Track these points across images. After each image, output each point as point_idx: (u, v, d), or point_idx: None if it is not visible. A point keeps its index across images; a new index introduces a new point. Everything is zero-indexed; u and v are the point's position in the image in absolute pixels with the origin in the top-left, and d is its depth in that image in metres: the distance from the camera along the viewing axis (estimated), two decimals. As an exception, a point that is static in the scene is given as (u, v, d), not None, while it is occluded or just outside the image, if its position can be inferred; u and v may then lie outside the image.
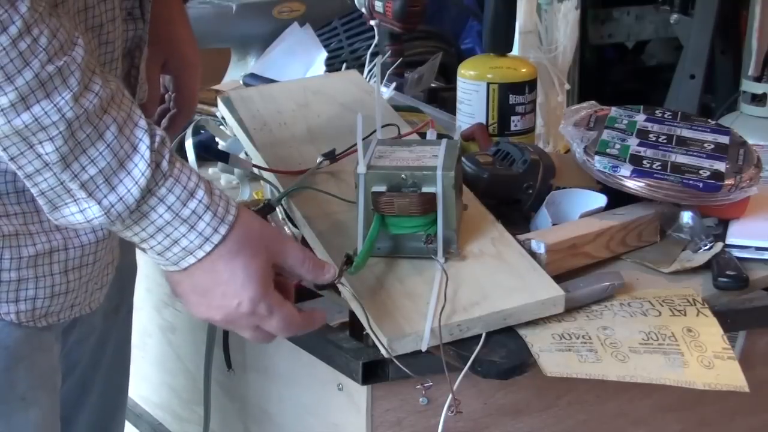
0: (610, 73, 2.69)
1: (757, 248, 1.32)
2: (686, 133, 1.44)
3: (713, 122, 1.50)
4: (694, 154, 1.38)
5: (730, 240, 1.33)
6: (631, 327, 1.16)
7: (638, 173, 1.32)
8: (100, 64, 1.03)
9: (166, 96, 1.31)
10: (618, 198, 1.35)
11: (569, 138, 1.41)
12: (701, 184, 1.32)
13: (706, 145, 1.41)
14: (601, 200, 1.35)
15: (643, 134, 1.42)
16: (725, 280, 1.25)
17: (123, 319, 1.31)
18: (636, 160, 1.35)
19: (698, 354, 1.13)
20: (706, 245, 1.31)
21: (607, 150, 1.37)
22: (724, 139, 1.43)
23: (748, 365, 1.14)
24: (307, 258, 1.06)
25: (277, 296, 1.02)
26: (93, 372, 1.27)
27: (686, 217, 1.35)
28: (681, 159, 1.37)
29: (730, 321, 1.20)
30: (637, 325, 1.17)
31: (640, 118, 1.46)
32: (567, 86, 1.95)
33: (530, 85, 1.64)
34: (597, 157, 1.35)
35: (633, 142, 1.39)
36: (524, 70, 1.65)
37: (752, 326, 1.27)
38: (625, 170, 1.33)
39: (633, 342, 1.14)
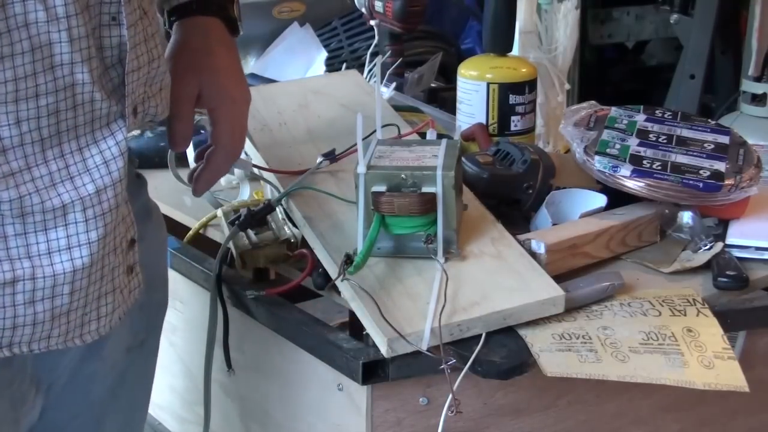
0: (610, 73, 2.69)
1: (757, 248, 1.32)
2: (686, 133, 1.44)
3: (713, 122, 1.51)
4: (694, 154, 1.38)
5: (730, 240, 1.33)
6: (631, 327, 1.16)
7: (638, 173, 1.32)
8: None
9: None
10: (618, 198, 1.35)
11: (569, 138, 1.41)
12: (701, 184, 1.32)
13: (706, 145, 1.41)
14: (601, 200, 1.35)
15: (643, 134, 1.42)
16: (725, 280, 1.25)
17: (147, 354, 1.26)
18: (636, 160, 1.35)
19: (698, 354, 1.13)
20: (706, 245, 1.31)
21: (607, 150, 1.37)
22: (724, 139, 1.43)
23: (748, 365, 1.14)
24: None
25: None
26: (111, 405, 1.22)
27: (686, 217, 1.35)
28: (681, 159, 1.37)
29: (730, 321, 1.20)
30: (637, 325, 1.17)
31: (640, 118, 1.47)
32: (567, 86, 1.95)
33: (530, 85, 1.64)
34: (597, 157, 1.35)
35: (633, 142, 1.39)
36: (524, 70, 1.65)
37: (752, 326, 1.27)
38: (625, 170, 1.33)
39: (633, 342, 1.14)
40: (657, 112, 1.49)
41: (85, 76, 0.99)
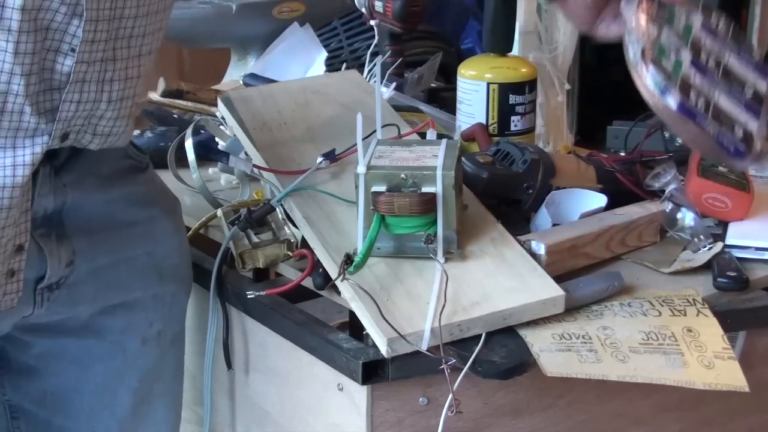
0: (610, 73, 2.69)
1: (757, 248, 1.32)
2: (733, 62, 1.25)
3: (757, 57, 1.29)
4: (735, 97, 1.22)
5: (730, 240, 1.33)
6: (631, 327, 1.16)
7: (683, 110, 1.17)
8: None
9: None
10: (618, 198, 1.35)
11: (632, 25, 1.22)
12: (732, 148, 1.19)
13: (746, 89, 1.24)
14: (601, 200, 1.35)
15: (696, 48, 1.24)
16: (725, 280, 1.25)
17: (165, 347, 1.30)
18: (685, 88, 1.19)
19: (698, 354, 1.13)
20: (706, 245, 1.31)
21: (663, 61, 1.20)
22: (762, 86, 1.25)
23: (748, 365, 1.14)
24: None
25: None
26: (143, 399, 1.29)
27: (687, 217, 1.35)
28: (723, 102, 1.21)
29: (730, 321, 1.20)
30: (637, 325, 1.17)
31: (696, 21, 1.25)
32: (567, 86, 1.94)
33: (530, 85, 1.64)
34: (652, 68, 1.19)
35: (686, 58, 1.22)
36: (524, 70, 1.65)
37: (752, 326, 1.27)
38: (672, 100, 1.18)
39: (633, 342, 1.14)
40: (713, 18, 1.27)
41: (20, 88, 1.03)
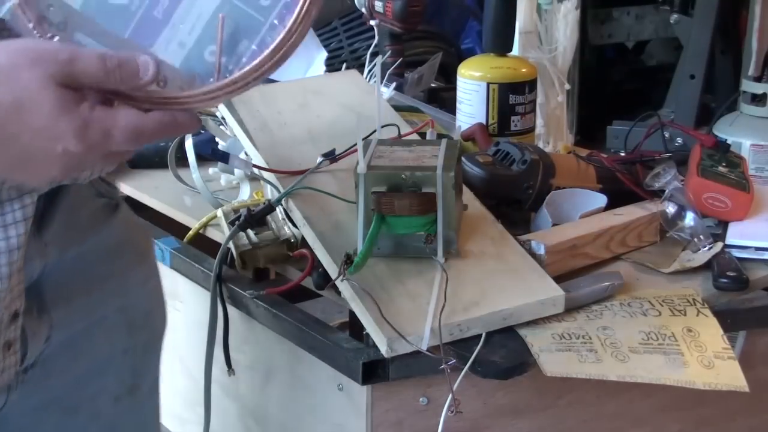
0: (610, 73, 2.69)
1: (757, 248, 1.32)
2: None
3: None
4: None
5: (730, 240, 1.33)
6: (631, 327, 1.16)
7: None
8: None
9: None
10: (618, 198, 1.35)
11: None
12: None
13: None
14: (601, 200, 1.35)
15: None
16: (725, 281, 1.25)
17: (142, 400, 1.20)
18: None
19: (698, 354, 1.13)
20: (706, 245, 1.31)
21: None
22: None
23: (748, 365, 1.14)
24: (108, 59, 0.80)
25: (100, 111, 0.81)
26: None
27: (687, 217, 1.35)
28: None
29: (730, 321, 1.20)
30: (637, 325, 1.17)
31: None
32: (567, 86, 1.94)
33: (530, 85, 1.64)
34: None
35: None
36: (524, 70, 1.65)
37: (752, 326, 1.27)
38: None
39: (633, 342, 1.14)
40: None
41: None
